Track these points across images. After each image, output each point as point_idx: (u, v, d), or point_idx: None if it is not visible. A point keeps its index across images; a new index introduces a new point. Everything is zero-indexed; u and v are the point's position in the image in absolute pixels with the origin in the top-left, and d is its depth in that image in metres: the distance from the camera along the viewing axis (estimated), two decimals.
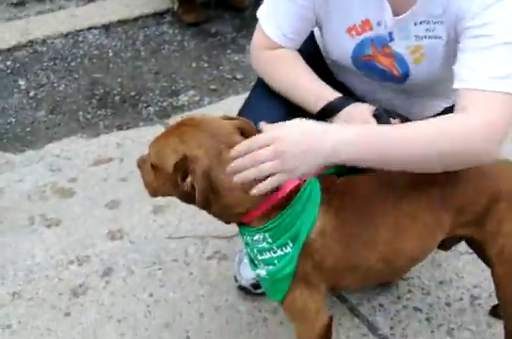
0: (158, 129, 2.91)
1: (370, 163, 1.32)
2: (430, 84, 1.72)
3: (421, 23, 1.55)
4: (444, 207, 1.45)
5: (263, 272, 1.43)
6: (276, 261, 1.39)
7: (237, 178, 1.26)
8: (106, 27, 3.76)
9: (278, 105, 1.70)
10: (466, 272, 2.24)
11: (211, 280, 2.16)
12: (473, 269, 2.25)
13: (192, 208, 2.39)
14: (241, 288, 2.10)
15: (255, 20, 1.73)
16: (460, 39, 1.47)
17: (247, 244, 1.45)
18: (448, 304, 2.12)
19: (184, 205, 2.41)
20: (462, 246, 2.26)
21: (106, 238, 2.32)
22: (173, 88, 3.31)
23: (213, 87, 3.33)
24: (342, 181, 1.45)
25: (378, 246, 1.43)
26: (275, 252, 1.38)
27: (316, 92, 1.63)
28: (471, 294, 2.15)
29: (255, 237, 1.39)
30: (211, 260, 2.23)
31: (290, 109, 1.67)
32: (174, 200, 2.45)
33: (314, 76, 1.66)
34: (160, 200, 2.41)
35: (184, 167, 1.31)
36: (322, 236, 1.38)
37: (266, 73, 1.73)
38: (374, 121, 1.53)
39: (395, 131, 1.33)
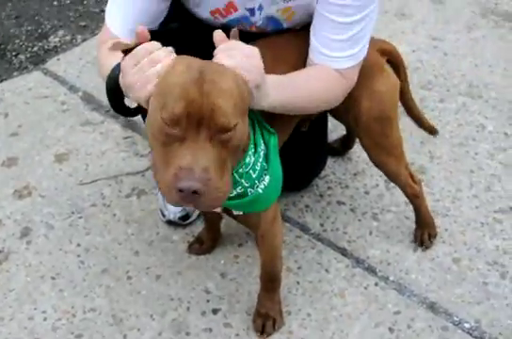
0: (37, 76, 2.78)
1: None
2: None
3: None
4: None
5: (262, 186, 1.41)
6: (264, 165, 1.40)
7: None
8: None
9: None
10: None
11: (136, 217, 2.13)
12: None
13: (97, 150, 2.38)
14: (169, 223, 2.09)
15: None
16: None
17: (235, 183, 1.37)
18: (367, 192, 2.20)
19: (87, 149, 2.38)
20: None
21: (14, 198, 2.21)
22: (40, 31, 3.11)
23: (82, 23, 3.16)
24: None
25: None
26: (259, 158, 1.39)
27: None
28: (384, 179, 2.23)
29: (247, 160, 1.35)
30: (130, 197, 2.19)
31: None
32: (75, 146, 2.40)
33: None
34: (60, 147, 2.36)
35: None
36: None
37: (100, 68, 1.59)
38: None
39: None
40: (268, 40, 1.60)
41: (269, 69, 1.31)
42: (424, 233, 1.99)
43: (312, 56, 1.58)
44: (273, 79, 1.38)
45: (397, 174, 1.86)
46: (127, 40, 1.45)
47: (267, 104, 1.36)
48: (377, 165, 1.84)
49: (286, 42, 1.63)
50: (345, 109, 1.69)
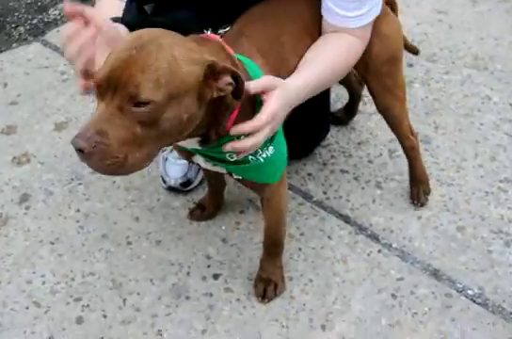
0: (36, 47, 2.75)
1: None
2: None
3: None
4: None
5: (264, 155, 1.39)
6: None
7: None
8: None
9: None
10: (379, 130, 2.30)
11: (136, 184, 2.10)
12: (385, 127, 2.26)
13: None
14: (170, 189, 2.06)
15: None
16: None
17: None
18: (370, 161, 2.17)
19: (86, 118, 2.35)
20: (370, 107, 2.31)
21: (12, 165, 2.19)
22: (39, 3, 3.08)
23: None
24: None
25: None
26: None
27: None
28: (388, 149, 2.22)
29: None
30: None
31: None
32: (74, 114, 2.37)
33: None
34: (60, 116, 2.33)
35: (213, 73, 1.18)
36: None
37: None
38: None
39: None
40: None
41: (284, 27, 1.43)
42: (419, 189, 2.01)
43: (328, 17, 1.56)
44: (294, 84, 1.42)
45: (401, 120, 1.88)
46: None
47: (299, 101, 1.46)
48: (383, 109, 1.86)
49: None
50: None
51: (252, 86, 1.28)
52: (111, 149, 1.09)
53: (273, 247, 1.73)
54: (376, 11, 1.57)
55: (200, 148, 1.35)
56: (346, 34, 1.56)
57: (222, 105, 1.26)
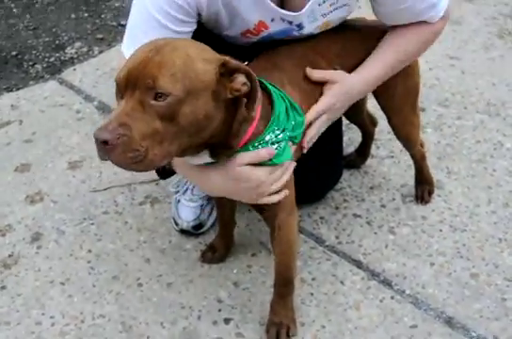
0: (52, 85, 2.79)
1: None
2: None
3: (324, 1, 1.54)
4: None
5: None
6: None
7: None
8: None
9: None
10: (392, 174, 2.30)
11: (148, 225, 2.10)
12: (398, 171, 2.32)
13: None
14: (183, 232, 2.05)
15: None
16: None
17: None
18: (383, 206, 2.17)
19: None
20: (383, 151, 2.32)
21: (25, 203, 2.19)
22: (57, 42, 3.13)
23: (99, 36, 3.17)
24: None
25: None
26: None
27: None
28: (401, 193, 2.22)
29: (267, 138, 1.39)
30: (143, 205, 2.17)
31: None
32: (89, 153, 2.38)
33: None
34: (74, 155, 2.35)
35: (227, 72, 1.24)
36: None
37: None
38: None
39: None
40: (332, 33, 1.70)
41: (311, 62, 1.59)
42: (424, 189, 2.17)
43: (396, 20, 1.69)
44: (355, 83, 1.62)
45: (416, 142, 2.05)
46: None
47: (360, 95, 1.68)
48: (402, 137, 2.02)
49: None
50: (380, 92, 1.83)
51: (316, 74, 1.53)
52: (133, 141, 1.14)
53: (284, 286, 1.71)
54: (445, 5, 1.66)
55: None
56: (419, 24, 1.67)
57: (239, 115, 1.30)
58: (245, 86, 1.25)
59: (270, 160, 1.41)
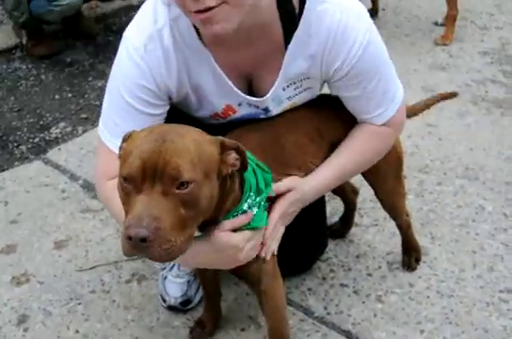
0: (37, 165, 2.82)
1: None
2: None
3: (288, 86, 1.61)
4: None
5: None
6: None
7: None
8: None
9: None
10: (377, 242, 2.32)
11: (136, 303, 2.08)
12: (382, 239, 2.34)
13: (97, 236, 2.37)
14: (170, 308, 2.04)
15: (108, 44, 1.69)
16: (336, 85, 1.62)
17: None
18: (370, 275, 2.18)
19: (86, 236, 2.37)
20: (366, 219, 2.35)
21: (11, 285, 2.18)
22: (41, 122, 3.19)
23: (83, 115, 3.24)
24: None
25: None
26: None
27: None
28: (387, 261, 2.23)
29: (245, 206, 1.42)
30: (130, 283, 2.16)
31: None
32: (74, 232, 2.39)
33: None
34: (60, 234, 2.35)
35: (224, 150, 1.30)
36: None
37: (108, 209, 1.64)
38: None
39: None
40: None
41: (284, 136, 1.63)
42: (411, 257, 2.18)
43: (357, 119, 1.70)
44: (307, 187, 1.61)
45: (401, 211, 2.08)
46: None
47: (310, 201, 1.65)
48: (388, 208, 2.06)
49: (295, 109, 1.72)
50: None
51: (280, 188, 1.54)
52: (167, 233, 1.15)
53: None
54: (400, 97, 1.67)
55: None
56: (376, 129, 1.67)
57: (230, 188, 1.35)
58: (237, 161, 1.31)
59: (249, 224, 1.43)
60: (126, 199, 1.21)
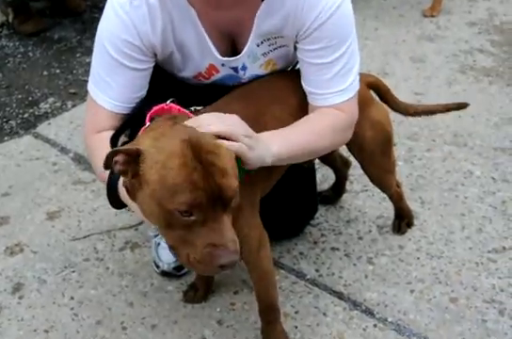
0: (28, 140, 2.82)
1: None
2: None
3: (262, 42, 1.61)
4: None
5: None
6: None
7: None
8: None
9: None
10: (367, 207, 2.35)
11: (130, 270, 2.11)
12: (372, 204, 2.36)
13: (89, 207, 2.38)
14: (164, 274, 2.07)
15: (95, 21, 1.69)
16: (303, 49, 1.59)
17: None
18: (360, 238, 2.21)
19: (79, 207, 2.38)
20: (357, 185, 2.37)
21: (5, 255, 2.19)
22: (30, 98, 3.18)
23: (72, 90, 3.23)
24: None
25: None
26: None
27: None
28: (377, 225, 2.26)
29: None
30: (124, 251, 2.18)
31: None
32: (66, 204, 2.40)
33: None
34: (52, 206, 2.36)
35: None
36: None
37: (91, 158, 1.64)
38: None
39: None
40: (262, 82, 1.70)
41: (267, 108, 1.55)
42: (402, 222, 2.22)
43: (308, 99, 1.65)
44: (268, 134, 1.46)
45: (390, 186, 2.08)
46: (124, 111, 1.58)
47: (271, 158, 1.44)
48: (376, 183, 2.06)
49: (279, 83, 1.70)
50: (350, 141, 1.75)
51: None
52: (237, 245, 1.22)
53: (269, 313, 1.73)
54: (357, 86, 1.64)
55: None
56: (331, 109, 1.61)
57: None
58: None
59: None
60: (184, 230, 1.20)
